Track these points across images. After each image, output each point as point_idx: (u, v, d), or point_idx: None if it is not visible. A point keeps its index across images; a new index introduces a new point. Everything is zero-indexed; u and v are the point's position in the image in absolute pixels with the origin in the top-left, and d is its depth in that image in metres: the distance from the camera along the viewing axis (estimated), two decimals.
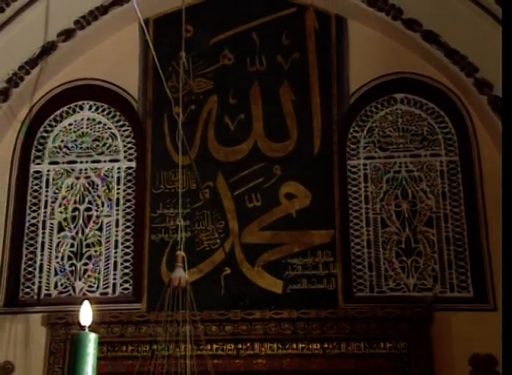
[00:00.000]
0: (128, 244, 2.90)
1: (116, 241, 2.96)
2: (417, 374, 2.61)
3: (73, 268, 2.92)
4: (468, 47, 2.75)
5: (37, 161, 3.06)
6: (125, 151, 3.05)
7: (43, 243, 2.97)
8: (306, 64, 2.99)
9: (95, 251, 2.95)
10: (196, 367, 2.03)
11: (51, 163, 3.06)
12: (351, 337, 2.67)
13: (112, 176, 3.02)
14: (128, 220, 2.96)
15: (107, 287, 2.85)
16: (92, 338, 1.18)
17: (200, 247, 2.76)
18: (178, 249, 2.13)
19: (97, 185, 3.01)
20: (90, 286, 2.87)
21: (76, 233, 2.99)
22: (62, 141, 3.09)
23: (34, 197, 3.02)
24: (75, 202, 3.02)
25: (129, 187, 2.97)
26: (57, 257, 2.97)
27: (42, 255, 2.93)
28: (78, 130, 3.11)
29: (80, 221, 3.00)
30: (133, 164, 2.99)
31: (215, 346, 2.60)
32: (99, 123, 3.09)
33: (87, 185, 3.00)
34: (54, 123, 3.10)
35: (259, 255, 2.79)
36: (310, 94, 2.98)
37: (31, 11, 2.80)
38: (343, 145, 2.96)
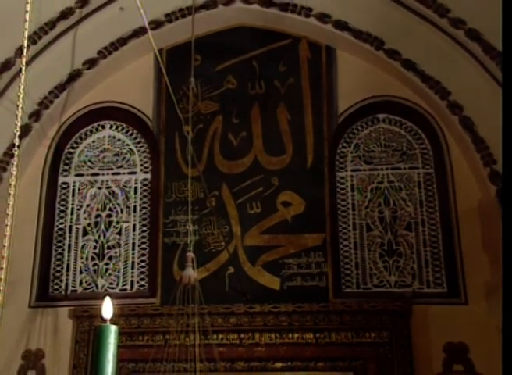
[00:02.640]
0: (144, 246, 2.91)
1: (134, 243, 2.97)
2: (398, 360, 2.60)
3: (96, 267, 2.93)
4: (441, 73, 2.75)
5: (65, 173, 3.07)
6: (141, 165, 3.07)
7: (69, 245, 2.98)
8: (300, 88, 3.00)
9: (115, 252, 2.96)
10: (203, 354, 2.04)
11: (76, 175, 3.08)
12: (340, 328, 2.67)
13: (130, 187, 3.05)
14: (144, 225, 2.97)
15: (125, 284, 2.86)
16: (113, 330, 1.19)
17: (207, 249, 2.76)
18: (188, 251, 2.14)
19: (117, 194, 3.03)
20: (110, 283, 2.88)
21: (99, 236, 3.01)
22: (87, 156, 3.10)
23: (62, 205, 3.04)
24: (97, 209, 3.04)
25: (144, 196, 2.98)
26: (82, 257, 2.98)
27: (69, 255, 2.94)
28: (100, 146, 3.13)
29: (102, 226, 3.02)
30: (149, 176, 3.00)
31: (220, 336, 2.60)
32: (119, 140, 3.11)
33: (108, 194, 3.02)
34: (79, 141, 3.12)
35: (259, 255, 2.79)
36: (303, 114, 2.99)
37: (60, 43, 2.80)
38: (332, 159, 2.97)
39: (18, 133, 1.60)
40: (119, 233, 3.03)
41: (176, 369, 2.05)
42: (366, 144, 3.05)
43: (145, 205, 3.01)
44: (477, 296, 2.64)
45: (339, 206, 2.95)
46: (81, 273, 2.95)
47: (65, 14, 2.73)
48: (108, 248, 3.00)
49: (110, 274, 2.90)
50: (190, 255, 2.00)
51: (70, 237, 3.01)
